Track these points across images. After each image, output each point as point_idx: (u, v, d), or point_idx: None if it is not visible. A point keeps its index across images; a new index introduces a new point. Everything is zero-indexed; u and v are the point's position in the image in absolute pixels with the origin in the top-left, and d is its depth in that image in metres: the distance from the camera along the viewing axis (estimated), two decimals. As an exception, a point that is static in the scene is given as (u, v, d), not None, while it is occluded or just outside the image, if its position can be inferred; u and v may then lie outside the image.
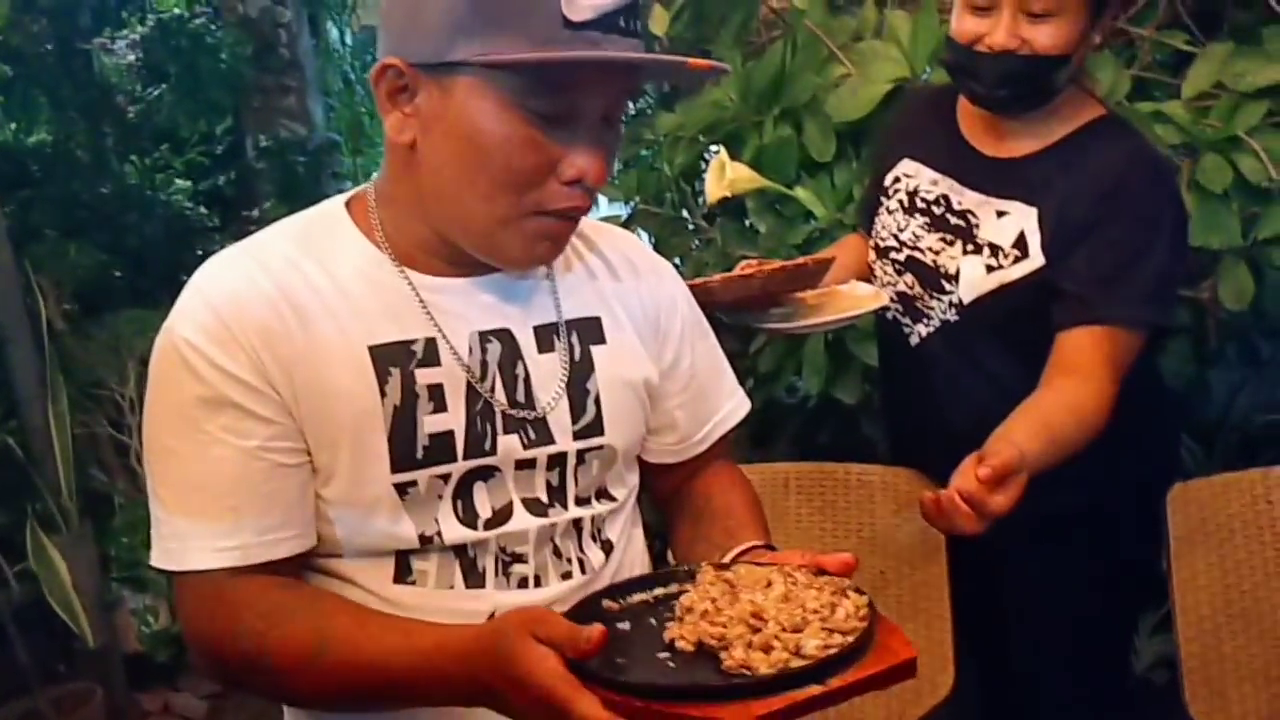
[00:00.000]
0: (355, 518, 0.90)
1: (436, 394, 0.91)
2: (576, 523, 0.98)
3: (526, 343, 0.95)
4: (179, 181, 5.15)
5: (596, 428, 0.98)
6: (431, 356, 0.91)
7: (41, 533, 2.40)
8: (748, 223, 2.04)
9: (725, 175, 1.74)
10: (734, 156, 1.80)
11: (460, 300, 0.93)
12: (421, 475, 0.90)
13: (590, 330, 1.00)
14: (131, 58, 5.35)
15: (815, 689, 0.72)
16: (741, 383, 2.30)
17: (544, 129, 0.84)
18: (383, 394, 0.89)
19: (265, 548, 0.88)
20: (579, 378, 0.98)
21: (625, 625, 0.82)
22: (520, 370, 0.95)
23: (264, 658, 0.86)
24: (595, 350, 0.99)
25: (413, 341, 0.91)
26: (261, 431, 0.87)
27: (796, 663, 0.73)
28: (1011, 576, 1.44)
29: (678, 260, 2.19)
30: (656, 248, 2.25)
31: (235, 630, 0.87)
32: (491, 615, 0.92)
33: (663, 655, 0.78)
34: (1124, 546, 1.43)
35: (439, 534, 0.92)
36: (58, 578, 2.39)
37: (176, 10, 5.01)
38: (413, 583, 0.92)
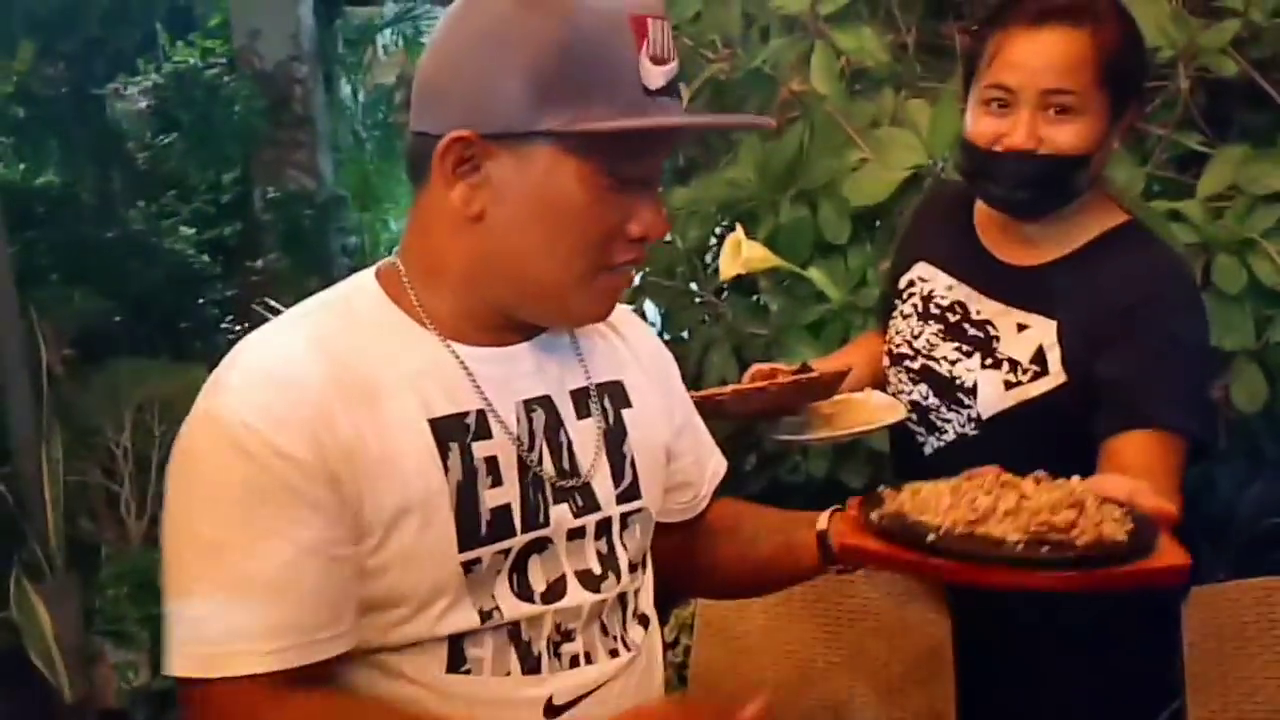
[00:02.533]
0: (416, 601, 0.87)
1: (493, 467, 0.90)
2: (622, 597, 0.98)
3: (566, 409, 0.96)
4: (184, 229, 5.17)
5: (635, 491, 0.99)
6: (483, 429, 0.90)
7: (25, 581, 2.36)
8: (759, 300, 2.04)
9: (741, 253, 1.74)
10: (749, 235, 1.80)
11: (503, 370, 0.93)
12: (486, 552, 0.89)
13: (617, 394, 1.01)
14: (144, 104, 5.40)
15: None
16: (742, 461, 2.30)
17: (620, 191, 0.87)
18: (445, 469, 0.87)
19: (313, 648, 0.83)
20: (615, 442, 0.98)
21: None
22: (563, 437, 0.95)
23: None
24: (625, 414, 1.00)
25: (465, 414, 0.90)
26: (318, 522, 0.82)
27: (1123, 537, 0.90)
28: (1023, 683, 1.40)
29: (685, 334, 2.19)
30: (665, 321, 2.26)
31: None
32: (549, 701, 0.91)
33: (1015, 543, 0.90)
34: (1136, 653, 1.40)
35: (498, 609, 0.89)
36: (39, 628, 2.34)
37: (192, 60, 5.07)
38: (467, 671, 0.89)
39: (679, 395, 1.11)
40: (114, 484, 2.59)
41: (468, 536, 0.87)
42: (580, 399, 0.97)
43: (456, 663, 0.89)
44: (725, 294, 2.12)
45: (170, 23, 5.98)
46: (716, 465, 1.15)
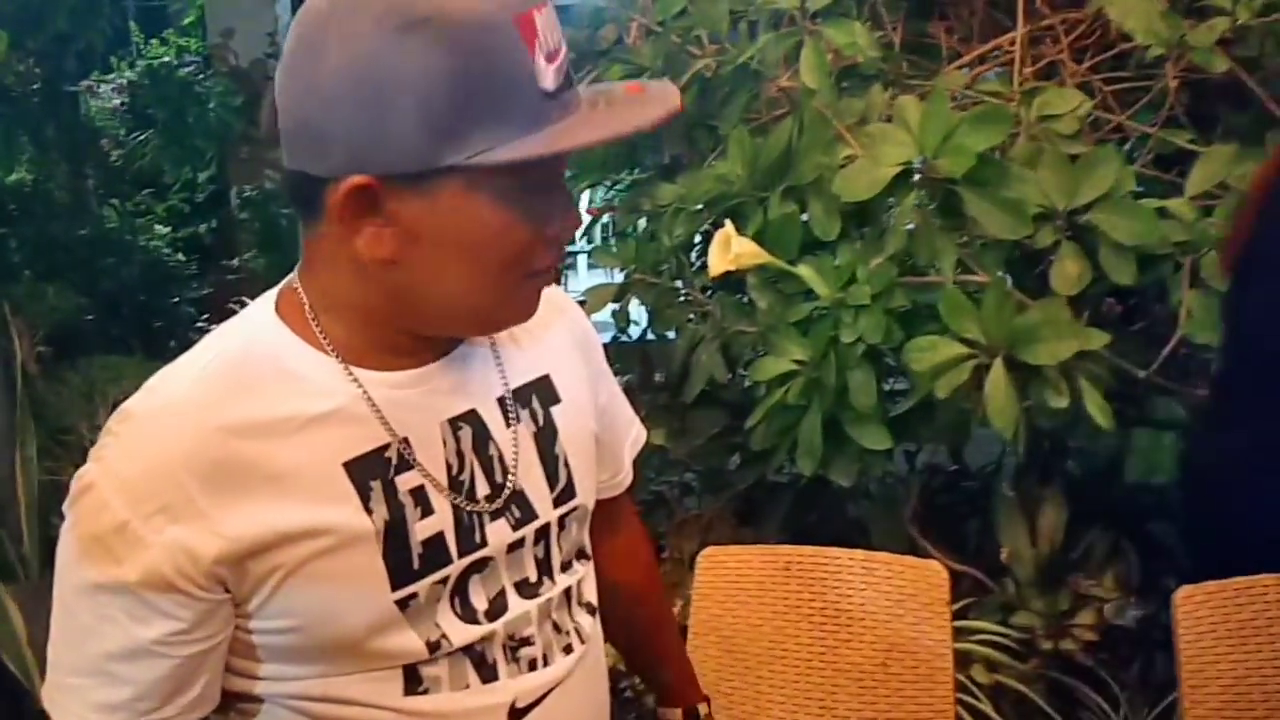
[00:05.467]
0: (353, 642, 0.85)
1: (420, 497, 0.86)
2: (566, 592, 0.96)
3: (493, 419, 0.92)
4: (159, 228, 5.11)
5: (570, 490, 0.96)
6: (406, 460, 0.86)
7: (-2, 583, 2.31)
8: (746, 298, 2.02)
9: (731, 249, 1.73)
10: (737, 231, 1.79)
11: (421, 392, 0.88)
12: (422, 585, 0.86)
13: (545, 390, 0.97)
14: (117, 101, 5.34)
15: None
16: (726, 461, 2.29)
17: (534, 199, 0.81)
18: (369, 511, 0.84)
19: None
20: (547, 443, 0.95)
21: None
22: (493, 450, 0.91)
23: None
24: (554, 411, 0.97)
25: (385, 448, 0.85)
26: (160, 623, 0.80)
27: None
28: None
29: (673, 332, 2.17)
30: (651, 319, 2.24)
31: None
32: (512, 706, 0.89)
33: None
34: None
35: (444, 637, 0.87)
36: (12, 631, 2.29)
37: (166, 58, 5.02)
38: (425, 691, 0.87)
39: (598, 366, 1.07)
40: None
41: (400, 573, 0.85)
42: (506, 405, 0.93)
43: (413, 685, 0.87)
44: (712, 292, 2.10)
45: (143, 20, 5.92)
46: (636, 436, 1.14)
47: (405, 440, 0.86)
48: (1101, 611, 1.86)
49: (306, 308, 0.86)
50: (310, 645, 0.84)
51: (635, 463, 1.13)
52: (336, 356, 0.85)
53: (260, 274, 4.28)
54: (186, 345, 0.89)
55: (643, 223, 2.23)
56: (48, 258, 3.66)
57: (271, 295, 0.89)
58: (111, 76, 5.31)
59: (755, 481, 2.23)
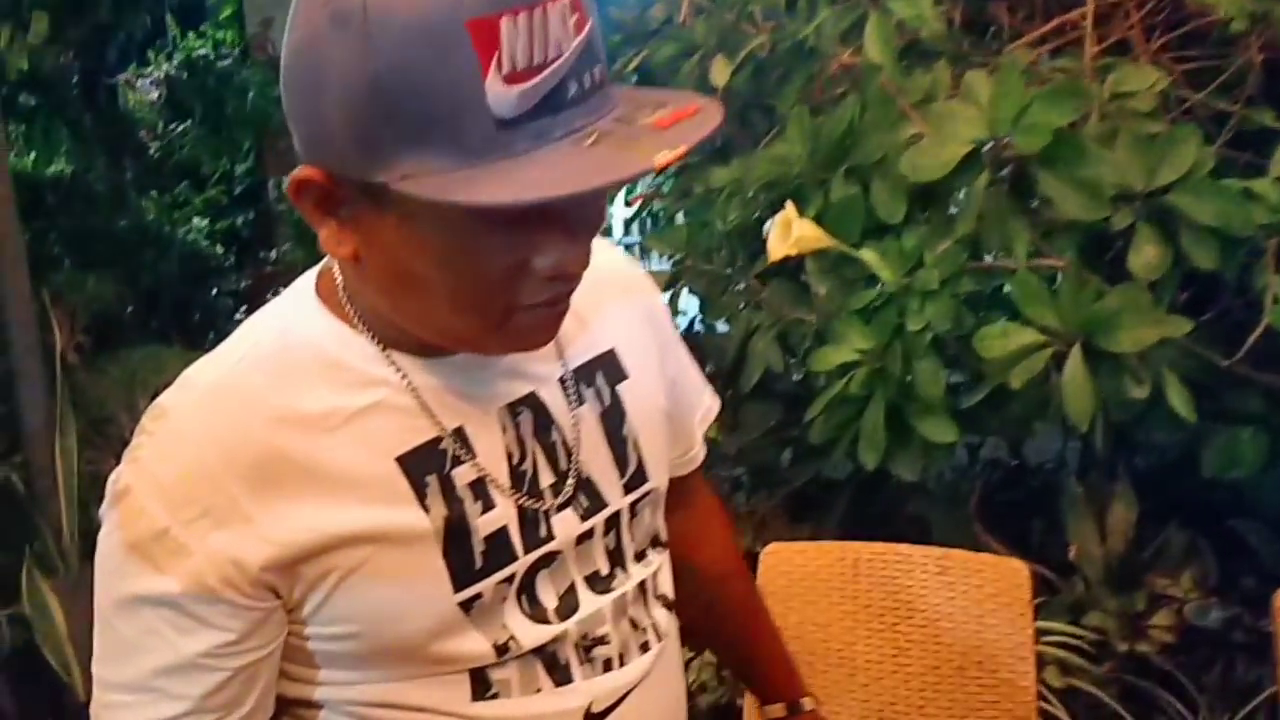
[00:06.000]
0: (414, 647, 0.79)
1: (479, 491, 0.80)
2: (641, 585, 0.89)
3: (554, 402, 0.85)
4: (196, 220, 5.10)
5: (641, 474, 0.89)
6: (463, 451, 0.79)
7: (38, 575, 2.27)
8: (804, 284, 1.95)
9: (792, 233, 1.66)
10: (798, 214, 1.71)
11: (474, 377, 0.81)
12: (486, 585, 0.80)
13: (610, 367, 0.89)
14: (156, 94, 5.33)
15: None
16: (778, 455, 2.21)
17: (505, 229, 0.69)
18: (425, 509, 0.77)
19: None
20: (613, 425, 0.88)
21: None
22: (555, 435, 0.84)
23: None
24: (620, 389, 0.89)
25: (438, 440, 0.79)
26: (207, 636, 0.75)
27: None
28: None
29: (725, 321, 2.10)
30: (703, 308, 2.17)
31: None
32: (588, 710, 0.82)
33: None
34: None
35: (513, 639, 0.81)
36: (52, 624, 2.26)
37: (204, 50, 5.00)
38: (495, 696, 0.81)
39: (667, 336, 0.98)
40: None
41: (462, 573, 0.79)
42: (569, 385, 0.86)
43: (481, 690, 0.81)
44: (767, 279, 2.02)
45: (180, 14, 5.91)
46: (708, 407, 1.05)
47: (460, 431, 0.79)
48: (1180, 612, 1.78)
49: (341, 289, 0.79)
50: (369, 650, 0.78)
51: (706, 436, 1.05)
52: (378, 342, 0.78)
53: (298, 266, 4.25)
54: (225, 337, 0.83)
55: (691, 211, 2.16)
56: (87, 249, 3.65)
57: (311, 276, 0.83)
58: (149, 70, 5.31)
59: (810, 479, 2.16)
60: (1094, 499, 2.00)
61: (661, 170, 0.63)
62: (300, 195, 0.71)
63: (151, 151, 5.11)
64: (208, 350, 0.81)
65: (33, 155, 4.50)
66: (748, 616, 1.14)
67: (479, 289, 0.71)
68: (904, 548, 1.45)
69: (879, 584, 1.43)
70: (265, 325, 0.81)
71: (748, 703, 1.47)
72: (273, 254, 4.93)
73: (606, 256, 0.92)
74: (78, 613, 2.31)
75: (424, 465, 0.78)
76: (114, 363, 2.65)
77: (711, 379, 2.31)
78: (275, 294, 0.86)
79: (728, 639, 1.14)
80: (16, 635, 2.33)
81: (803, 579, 1.45)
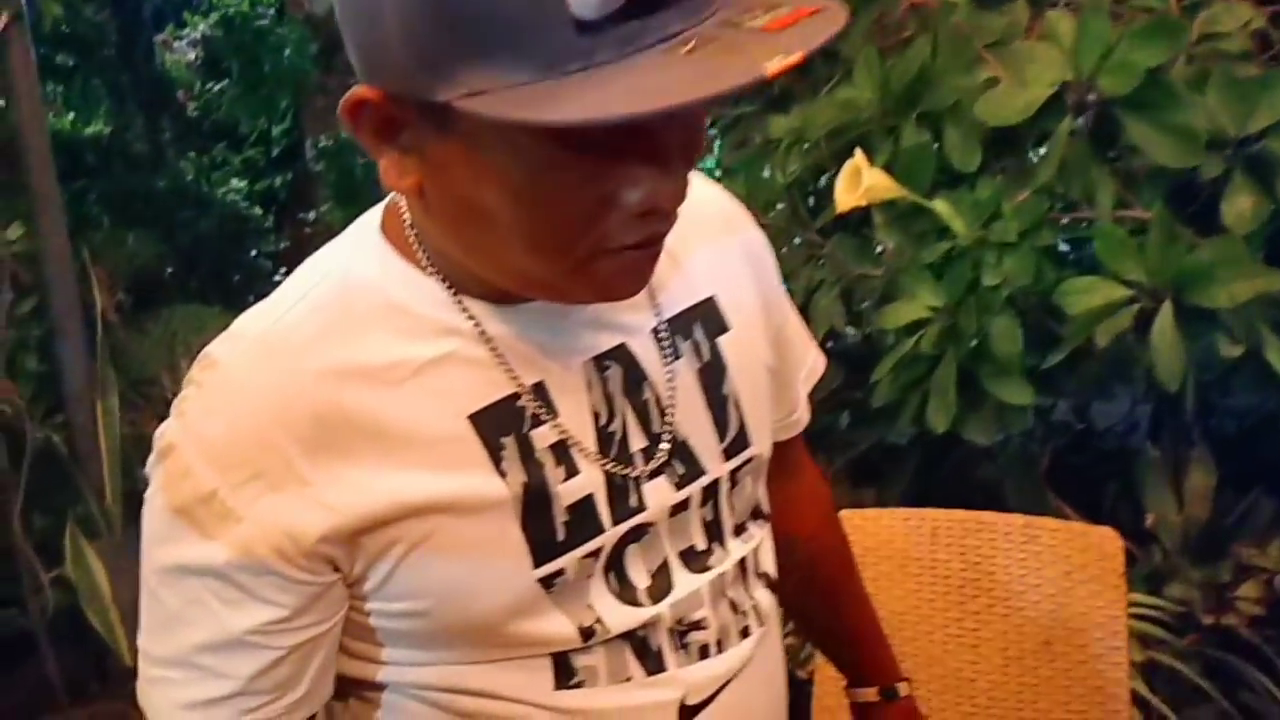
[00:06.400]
0: (488, 629, 0.71)
1: (562, 455, 0.71)
2: (741, 563, 0.80)
3: (646, 355, 0.75)
4: (235, 181, 5.07)
5: (742, 438, 0.80)
6: (543, 409, 0.71)
7: (81, 538, 2.24)
8: (869, 238, 1.86)
9: (861, 182, 1.57)
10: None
11: (556, 327, 0.72)
12: (569, 560, 0.71)
13: (709, 317, 0.80)
14: (193, 55, 5.29)
15: None
16: (839, 417, 2.13)
17: (586, 155, 0.59)
18: (501, 474, 0.69)
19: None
20: (712, 382, 0.78)
21: None
22: (648, 393, 0.75)
23: None
24: (721, 342, 0.80)
25: (516, 396, 0.70)
26: (256, 611, 0.68)
27: None
28: None
29: (786, 278, 2.01)
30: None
31: None
32: (681, 703, 0.75)
33: None
34: None
35: (599, 621, 0.73)
36: (96, 587, 2.22)
37: (240, 8, 4.94)
38: (580, 684, 0.73)
39: (771, 286, 0.87)
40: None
41: (542, 546, 0.70)
42: (664, 336, 0.77)
43: (564, 678, 0.73)
44: (831, 233, 1.93)
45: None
46: (813, 365, 0.94)
47: (540, 386, 0.71)
48: (1269, 583, 1.68)
49: (408, 228, 0.71)
50: (439, 630, 0.71)
51: (810, 397, 0.95)
52: (449, 287, 0.70)
53: (336, 227, 4.21)
54: (264, 299, 0.75)
55: (749, 163, 2.07)
56: (125, 209, 3.61)
57: (375, 213, 0.74)
58: (186, 31, 5.26)
59: (872, 445, 2.08)
60: (1170, 464, 1.91)
61: (773, 80, 0.52)
62: (356, 119, 0.62)
63: (189, 112, 5.08)
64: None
65: (71, 115, 4.47)
66: (846, 594, 1.05)
67: (558, 227, 0.62)
68: (985, 515, 1.37)
69: (958, 553, 1.35)
70: (323, 268, 0.73)
71: (818, 687, 1.40)
72: (311, 215, 4.88)
73: (704, 192, 0.84)
74: (122, 575, 2.28)
75: (500, 425, 0.70)
76: (154, 322, 2.60)
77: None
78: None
79: (824, 617, 1.06)
80: (60, 599, 2.31)
81: (875, 547, 1.37)
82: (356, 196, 4.39)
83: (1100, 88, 1.56)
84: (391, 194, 0.72)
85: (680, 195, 0.64)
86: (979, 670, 1.32)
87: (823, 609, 1.05)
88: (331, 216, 4.27)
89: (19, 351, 2.32)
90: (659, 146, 0.61)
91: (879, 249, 1.84)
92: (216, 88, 4.83)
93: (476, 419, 0.69)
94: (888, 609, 1.37)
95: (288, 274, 0.77)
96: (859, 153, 1.59)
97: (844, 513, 1.42)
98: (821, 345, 1.96)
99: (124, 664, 2.30)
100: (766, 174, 2.03)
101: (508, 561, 0.70)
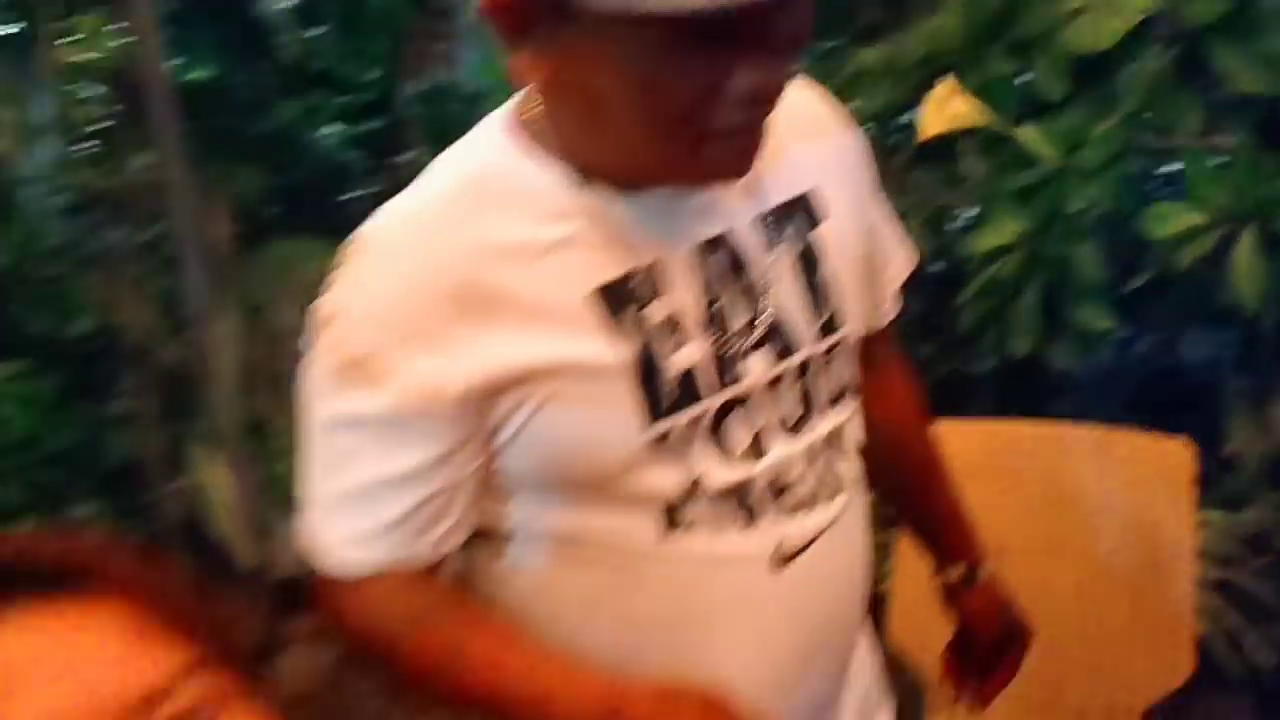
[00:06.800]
0: (603, 481, 0.80)
1: (672, 328, 0.80)
2: (832, 432, 0.88)
3: (749, 242, 0.83)
4: (330, 127, 5.20)
5: (835, 320, 0.87)
6: (658, 286, 0.79)
7: (201, 451, 2.40)
8: (955, 168, 1.89)
9: (948, 107, 1.61)
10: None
11: (670, 213, 0.80)
12: (676, 421, 0.80)
13: (807, 209, 0.87)
14: (292, 2, 5.41)
15: None
16: (920, 346, 2.17)
17: (699, 45, 0.67)
18: (618, 344, 0.78)
19: (410, 556, 0.81)
20: (810, 268, 0.86)
21: None
22: (750, 276, 0.83)
23: (400, 660, 0.82)
24: (817, 233, 0.87)
25: (633, 274, 0.78)
26: (410, 452, 0.78)
27: None
28: None
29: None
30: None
31: (371, 629, 0.83)
32: (775, 551, 0.83)
33: None
34: None
35: (702, 477, 0.81)
36: (217, 496, 2.39)
37: (337, -47, 5.03)
38: (684, 533, 0.82)
39: (867, 183, 0.94)
40: (279, 361, 2.62)
41: (653, 408, 0.79)
42: (765, 226, 0.84)
43: (670, 527, 0.82)
44: (916, 163, 1.97)
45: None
46: (904, 261, 1.01)
47: (654, 267, 0.79)
48: (1347, 509, 1.71)
49: (537, 120, 0.79)
50: (560, 481, 0.80)
51: (901, 291, 1.01)
52: (575, 175, 0.78)
53: (431, 169, 4.31)
54: None
55: (836, 94, 2.11)
56: (232, 153, 3.76)
57: (508, 108, 0.82)
58: (286, -24, 5.37)
59: (950, 373, 2.12)
60: (1254, 395, 1.93)
61: None
62: (493, 14, 0.69)
63: (288, 57, 5.22)
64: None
65: (177, 61, 4.63)
66: (934, 474, 1.10)
67: (672, 112, 0.70)
68: (1062, 428, 1.41)
69: (1033, 463, 1.40)
70: (459, 160, 0.81)
71: (895, 599, 1.47)
72: (405, 159, 5.00)
73: (805, 95, 0.90)
74: (241, 486, 2.44)
75: (618, 300, 0.78)
76: (265, 254, 2.74)
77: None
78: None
79: (913, 494, 1.11)
80: (182, 509, 2.47)
81: (951, 459, 1.42)
82: (449, 140, 4.48)
83: (1189, 15, 1.58)
84: (519, 93, 0.81)
85: (782, 84, 0.71)
86: (1054, 580, 1.37)
87: (912, 486, 1.10)
88: (425, 160, 4.36)
89: (147, 276, 2.49)
90: (767, 36, 0.68)
91: (964, 179, 1.88)
92: (315, 34, 4.95)
93: (598, 294, 0.78)
94: (983, 512, 1.43)
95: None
96: (950, 78, 1.64)
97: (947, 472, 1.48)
98: (905, 273, 2.01)
99: (241, 568, 2.47)
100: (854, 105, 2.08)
101: (622, 421, 0.78)
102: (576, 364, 0.77)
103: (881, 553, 1.65)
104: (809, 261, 0.86)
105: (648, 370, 0.78)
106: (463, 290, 0.76)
